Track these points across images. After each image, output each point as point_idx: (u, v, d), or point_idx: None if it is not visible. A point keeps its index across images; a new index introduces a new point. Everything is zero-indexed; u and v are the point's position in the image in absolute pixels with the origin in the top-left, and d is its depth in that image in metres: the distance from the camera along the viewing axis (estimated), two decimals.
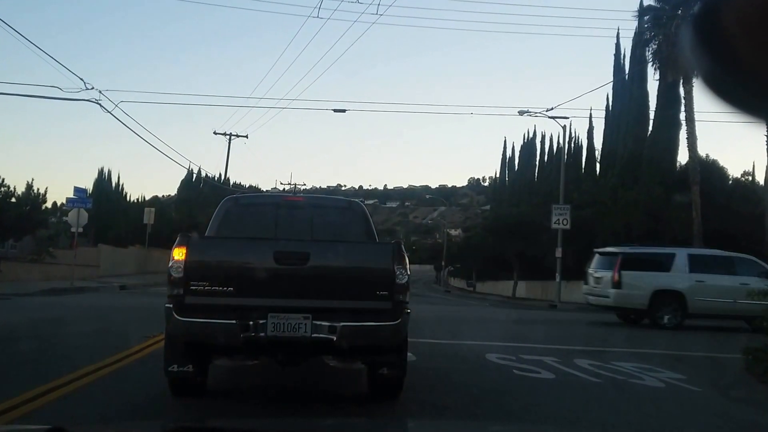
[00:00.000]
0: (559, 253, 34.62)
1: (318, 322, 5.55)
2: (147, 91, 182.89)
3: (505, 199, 58.68)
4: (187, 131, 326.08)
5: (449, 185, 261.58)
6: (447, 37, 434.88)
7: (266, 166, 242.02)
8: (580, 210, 35.48)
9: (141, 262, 42.36)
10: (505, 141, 73.63)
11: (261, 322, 5.50)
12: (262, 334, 5.50)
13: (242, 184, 69.12)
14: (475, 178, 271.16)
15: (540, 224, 39.16)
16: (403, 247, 6.10)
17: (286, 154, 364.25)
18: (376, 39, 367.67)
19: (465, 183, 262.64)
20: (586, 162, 42.79)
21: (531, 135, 54.99)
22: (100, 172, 39.94)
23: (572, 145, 45.73)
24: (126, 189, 56.80)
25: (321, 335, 5.54)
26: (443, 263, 68.51)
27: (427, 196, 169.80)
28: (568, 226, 34.68)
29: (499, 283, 51.82)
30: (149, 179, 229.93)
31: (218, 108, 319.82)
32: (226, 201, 7.77)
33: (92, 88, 24.83)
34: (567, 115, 39.10)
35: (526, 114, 35.73)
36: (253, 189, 77.19)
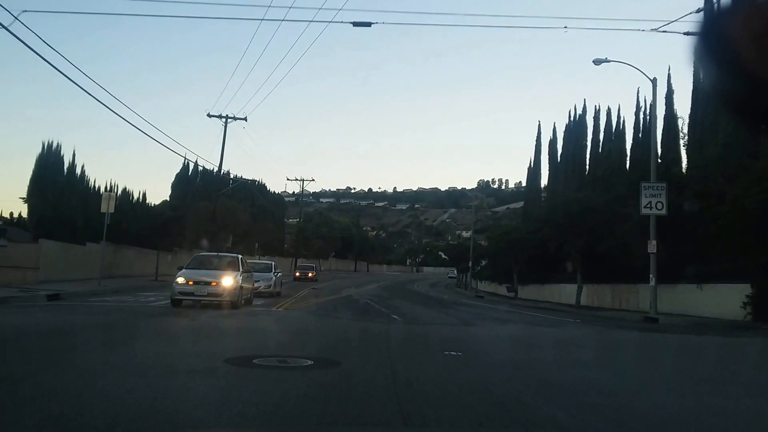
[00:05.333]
0: (652, 247, 25.90)
1: None
2: None
3: (547, 188, 50.00)
4: (177, 112, 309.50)
5: (459, 187, 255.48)
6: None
7: (270, 157, 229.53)
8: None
9: (107, 263, 33.72)
10: (539, 125, 64.66)
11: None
12: None
13: (243, 177, 59.95)
14: (485, 180, 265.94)
15: (613, 212, 30.40)
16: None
17: (293, 147, 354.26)
18: None
19: (474, 185, 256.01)
20: (664, 136, 33.84)
21: (580, 111, 46.05)
22: (47, 146, 30.47)
23: (642, 116, 37.01)
24: (89, 174, 48.00)
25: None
26: (470, 264, 59.67)
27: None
28: (663, 211, 25.99)
29: (545, 287, 42.93)
30: (158, 181, 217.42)
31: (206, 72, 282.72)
32: None
33: None
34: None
35: (603, 62, 27.02)
36: (257, 184, 68.42)
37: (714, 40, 0.82)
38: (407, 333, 15.85)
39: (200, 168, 53.87)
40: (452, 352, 11.46)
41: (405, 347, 12.43)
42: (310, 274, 51.85)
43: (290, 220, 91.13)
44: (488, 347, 13.39)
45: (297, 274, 52.61)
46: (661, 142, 34.68)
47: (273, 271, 29.82)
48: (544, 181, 53.28)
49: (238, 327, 15.22)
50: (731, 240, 24.03)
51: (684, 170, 30.97)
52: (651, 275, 25.85)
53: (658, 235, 26.04)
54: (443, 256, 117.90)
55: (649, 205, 26.08)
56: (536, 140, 54.77)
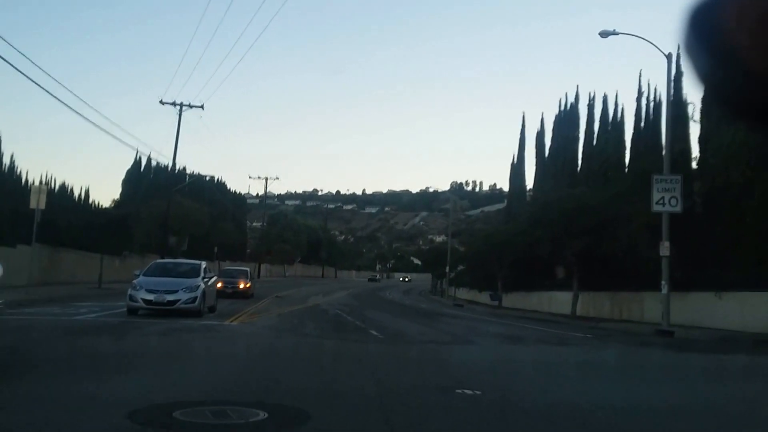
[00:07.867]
0: (665, 249, 22.55)
1: None
2: None
3: (534, 186, 46.75)
4: (129, 104, 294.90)
5: (431, 190, 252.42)
6: None
7: (231, 155, 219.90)
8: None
9: (42, 268, 29.78)
10: (523, 117, 61.25)
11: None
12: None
13: (200, 174, 55.56)
14: (458, 182, 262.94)
15: (616, 210, 27.10)
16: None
17: (256, 147, 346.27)
18: None
19: (447, 187, 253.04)
20: (669, 126, 30.57)
21: (572, 99, 42.65)
22: None
23: (644, 103, 33.89)
24: (22, 167, 43.47)
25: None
26: (447, 269, 56.21)
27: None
28: (678, 208, 22.67)
29: (533, 295, 39.50)
30: (110, 182, 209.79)
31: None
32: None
33: None
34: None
35: (610, 35, 23.75)
36: (216, 182, 64.10)
37: (705, 27, 0.74)
38: (395, 357, 12.21)
39: (153, 163, 49.63)
40: (467, 391, 8.03)
41: (398, 381, 8.88)
42: (241, 285, 32.50)
43: (254, 224, 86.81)
44: (513, 381, 9.75)
45: (219, 284, 26.97)
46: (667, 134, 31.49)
47: (201, 275, 19.81)
48: (527, 179, 49.93)
49: (165, 352, 11.44)
50: (760, 240, 20.84)
51: (696, 162, 27.75)
52: (663, 282, 22.45)
53: (669, 235, 22.77)
54: (415, 261, 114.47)
55: (661, 201, 22.73)
56: (520, 134, 51.15)
